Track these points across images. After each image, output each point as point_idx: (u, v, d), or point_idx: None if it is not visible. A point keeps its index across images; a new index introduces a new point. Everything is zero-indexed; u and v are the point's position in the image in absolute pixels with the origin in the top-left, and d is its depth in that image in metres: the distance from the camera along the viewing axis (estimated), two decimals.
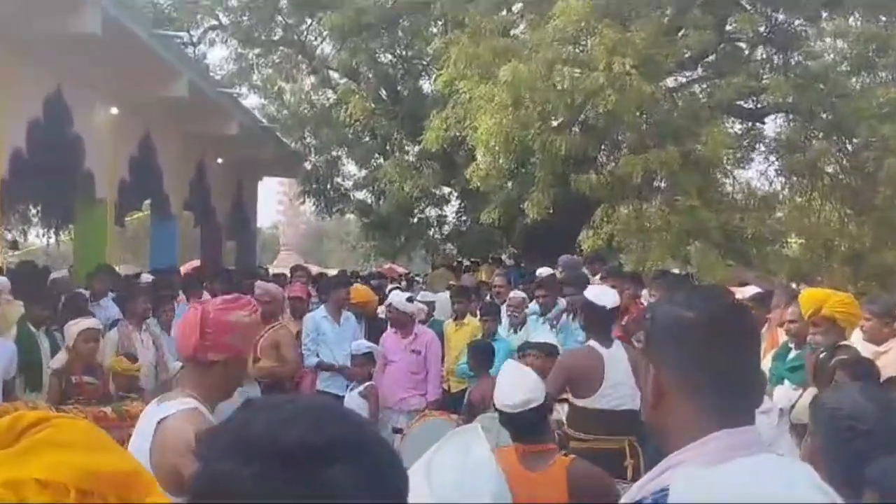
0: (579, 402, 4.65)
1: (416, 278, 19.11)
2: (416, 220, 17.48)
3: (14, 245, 19.53)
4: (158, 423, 2.40)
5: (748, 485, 1.22)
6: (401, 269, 23.41)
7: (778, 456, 1.41)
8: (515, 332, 7.37)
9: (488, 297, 8.69)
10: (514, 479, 2.62)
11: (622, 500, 1.47)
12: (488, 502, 1.81)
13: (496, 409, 3.29)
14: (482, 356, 6.16)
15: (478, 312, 7.75)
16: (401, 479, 0.93)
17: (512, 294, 7.79)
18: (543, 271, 8.89)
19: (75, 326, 5.81)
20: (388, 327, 7.33)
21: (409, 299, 7.47)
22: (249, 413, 0.92)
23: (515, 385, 3.24)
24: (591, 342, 4.76)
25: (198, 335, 2.46)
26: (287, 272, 11.67)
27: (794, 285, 9.73)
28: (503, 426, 3.28)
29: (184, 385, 2.54)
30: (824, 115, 12.73)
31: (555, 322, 7.12)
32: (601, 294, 4.97)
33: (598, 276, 8.23)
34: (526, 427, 3.18)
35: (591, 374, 4.64)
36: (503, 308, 7.69)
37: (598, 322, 4.81)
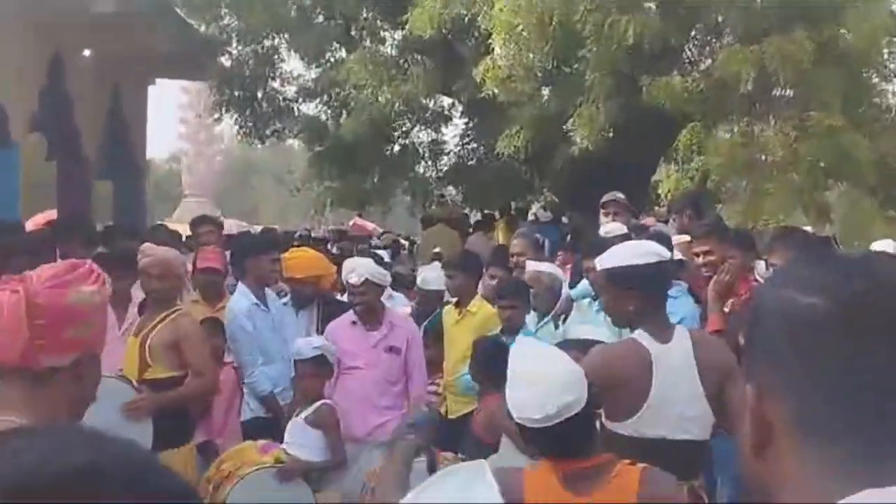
0: (611, 426, 4.66)
1: (401, 240, 19.16)
2: (397, 148, 17.59)
3: None
4: None
5: None
6: (372, 226, 23.49)
7: None
8: (556, 325, 7.42)
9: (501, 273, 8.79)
10: None
11: None
12: None
13: (515, 423, 3.35)
14: (490, 361, 6.24)
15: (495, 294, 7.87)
16: None
17: (542, 268, 7.83)
18: (610, 229, 8.89)
19: None
20: (346, 316, 7.52)
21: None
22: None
23: (542, 381, 3.33)
24: (638, 333, 4.77)
25: (25, 331, 2.43)
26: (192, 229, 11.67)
27: None
28: (528, 444, 3.35)
29: (5, 405, 2.46)
30: None
31: None
32: (643, 249, 4.97)
33: (682, 235, 8.25)
34: (565, 442, 3.29)
35: (629, 382, 4.65)
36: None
37: (647, 296, 4.82)
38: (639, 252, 4.84)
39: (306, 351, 6.90)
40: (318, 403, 6.81)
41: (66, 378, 2.48)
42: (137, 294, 7.64)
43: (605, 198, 9.45)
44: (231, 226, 19.46)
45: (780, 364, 1.38)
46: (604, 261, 4.91)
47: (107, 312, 2.70)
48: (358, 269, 7.46)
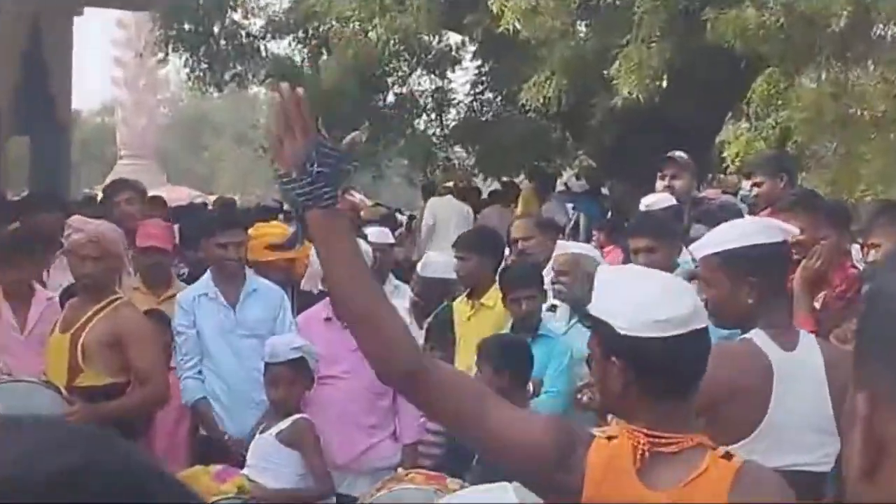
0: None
1: (399, 215, 19.14)
2: (391, 98, 17.72)
3: None
4: None
5: None
6: (358, 197, 23.48)
7: None
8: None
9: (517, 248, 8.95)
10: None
11: None
12: None
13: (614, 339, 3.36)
14: (509, 363, 6.32)
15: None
16: None
17: (578, 248, 7.82)
18: (654, 200, 8.87)
19: None
20: (320, 310, 7.52)
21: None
22: None
23: (660, 289, 3.35)
24: (756, 333, 4.72)
25: None
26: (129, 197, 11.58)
27: None
28: (624, 380, 3.31)
29: None
30: None
31: None
32: (764, 224, 4.91)
33: (760, 207, 8.23)
34: (680, 373, 3.28)
35: (742, 396, 4.62)
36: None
37: (770, 286, 4.76)
38: (760, 228, 4.80)
39: (282, 351, 6.88)
40: (293, 418, 6.79)
41: None
42: (59, 278, 7.64)
43: (679, 155, 9.38)
44: (179, 196, 19.46)
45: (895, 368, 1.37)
46: (713, 242, 4.84)
47: None
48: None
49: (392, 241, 10.53)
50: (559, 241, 8.23)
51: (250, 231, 8.60)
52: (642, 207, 8.71)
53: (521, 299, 7.30)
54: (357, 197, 22.66)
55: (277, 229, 9.05)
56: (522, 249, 8.71)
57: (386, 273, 8.25)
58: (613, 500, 3.13)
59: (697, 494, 3.15)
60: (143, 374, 6.62)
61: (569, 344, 7.06)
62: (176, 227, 9.54)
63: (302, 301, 8.22)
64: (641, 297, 3.33)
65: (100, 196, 12.15)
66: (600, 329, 3.42)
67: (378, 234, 8.59)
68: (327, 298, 7.45)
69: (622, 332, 3.26)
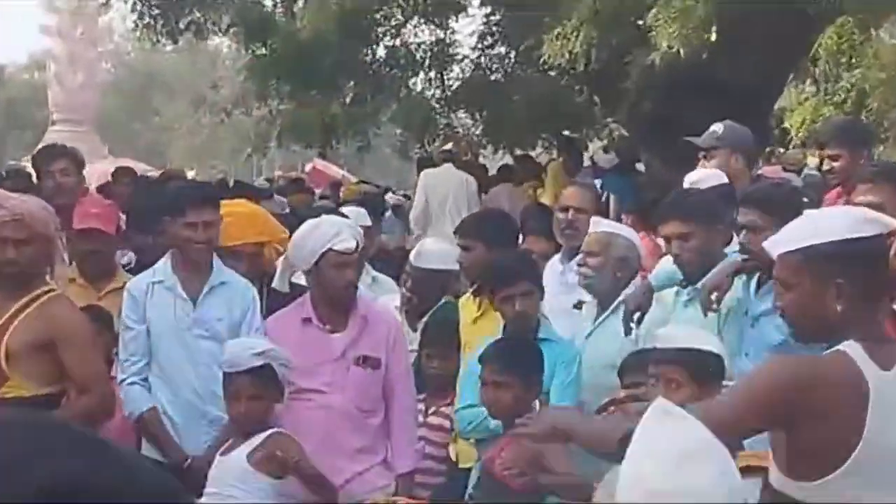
0: (791, 489, 4.60)
1: (393, 195, 19.16)
2: (382, 52, 17.83)
3: None
4: None
5: None
6: (341, 172, 23.56)
7: None
8: (628, 326, 7.32)
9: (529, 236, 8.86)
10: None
11: None
12: None
13: None
14: (518, 370, 6.41)
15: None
16: None
17: (615, 227, 7.78)
18: (700, 177, 8.87)
19: None
20: (298, 308, 7.47)
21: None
22: None
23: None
24: (849, 346, 4.68)
25: None
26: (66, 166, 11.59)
27: None
28: None
29: None
30: None
31: (714, 300, 7.14)
32: (857, 216, 4.85)
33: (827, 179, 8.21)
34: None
35: (835, 421, 4.58)
36: (570, 264, 7.87)
37: (864, 290, 4.71)
38: (852, 220, 4.67)
39: (242, 358, 6.84)
40: (267, 433, 6.78)
41: None
42: None
43: (712, 130, 9.37)
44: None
45: None
46: (793, 237, 4.74)
47: None
48: (345, 229, 7.35)
49: (369, 223, 10.52)
50: (592, 217, 8.11)
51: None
52: (686, 185, 8.70)
53: (513, 297, 7.28)
54: (339, 171, 22.78)
55: (244, 208, 8.92)
56: (572, 222, 8.52)
57: (362, 262, 8.18)
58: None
59: None
60: (83, 383, 6.59)
61: (576, 350, 7.17)
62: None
63: (275, 298, 8.09)
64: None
65: (28, 167, 12.13)
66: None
67: (353, 214, 8.49)
68: (305, 296, 7.48)
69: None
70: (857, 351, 4.46)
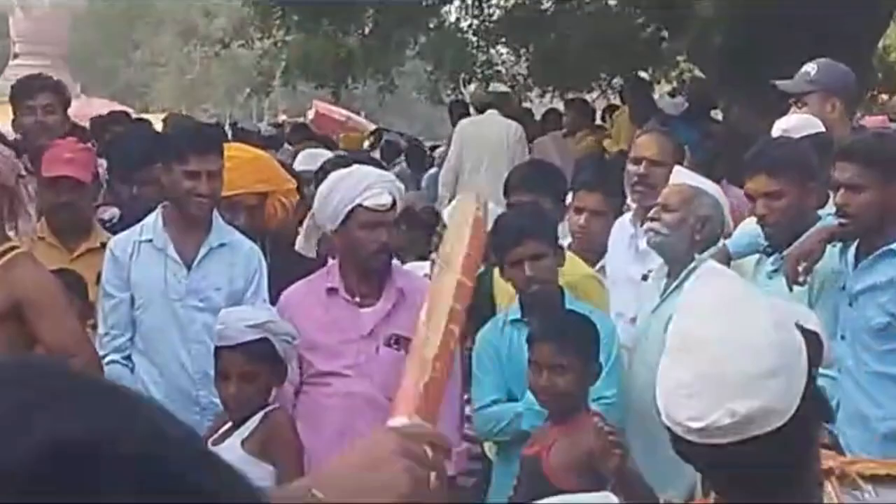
0: None
1: (418, 143, 19.23)
2: None
3: None
4: None
5: None
6: (359, 120, 23.64)
7: None
8: None
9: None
10: None
11: None
12: None
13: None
14: (576, 347, 6.42)
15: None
16: None
17: (687, 178, 7.74)
18: (793, 124, 8.88)
19: None
20: (321, 277, 7.47)
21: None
22: None
23: (716, 363, 3.34)
24: None
25: None
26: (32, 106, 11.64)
27: None
28: (688, 461, 3.48)
29: None
30: None
31: (803, 271, 7.14)
32: None
33: None
34: (745, 476, 3.35)
35: None
36: (642, 229, 7.83)
37: None
38: None
39: (234, 331, 6.87)
40: (265, 411, 6.85)
41: None
42: None
43: (804, 71, 9.35)
44: (99, 112, 19.50)
45: None
46: None
47: None
48: (377, 182, 7.31)
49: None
50: (675, 168, 8.04)
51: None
52: (775, 134, 8.72)
53: (522, 260, 7.28)
54: (353, 117, 22.82)
55: (244, 153, 8.92)
56: (645, 176, 8.51)
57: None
58: None
59: None
60: (62, 350, 6.59)
61: (611, 325, 7.14)
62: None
63: (280, 260, 8.14)
64: (681, 391, 3.41)
65: None
66: None
67: (305, 159, 8.31)
68: (334, 262, 7.49)
69: (663, 417, 3.41)
70: None
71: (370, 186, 7.23)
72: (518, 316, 7.28)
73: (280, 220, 8.61)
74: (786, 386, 3.23)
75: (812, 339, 5.47)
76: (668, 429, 3.32)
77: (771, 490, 3.34)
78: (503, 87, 17.47)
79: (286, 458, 6.74)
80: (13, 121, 10.39)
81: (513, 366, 7.07)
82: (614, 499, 2.45)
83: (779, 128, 8.72)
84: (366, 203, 7.17)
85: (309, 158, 10.48)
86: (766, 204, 7.29)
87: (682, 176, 7.75)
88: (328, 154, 11.09)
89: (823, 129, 8.41)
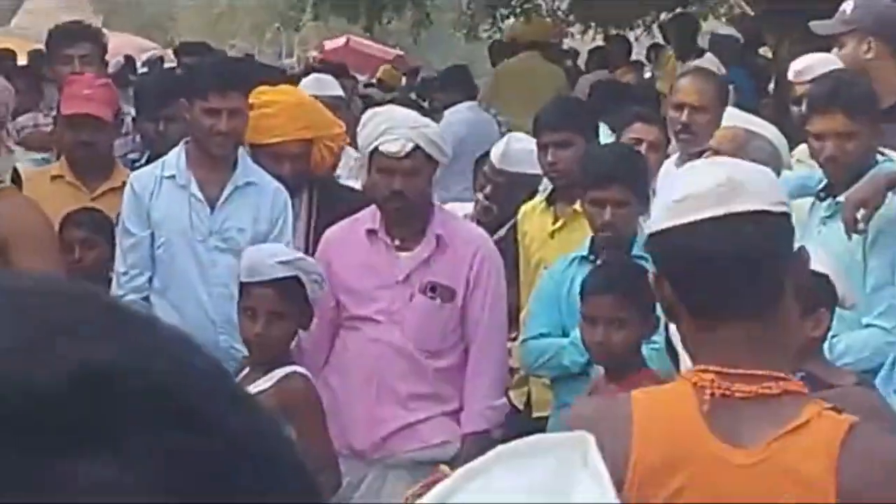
0: None
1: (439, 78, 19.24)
2: None
3: None
4: None
5: None
6: (393, 52, 23.65)
7: None
8: None
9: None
10: (679, 465, 3.30)
11: None
12: None
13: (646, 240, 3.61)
14: (635, 302, 6.36)
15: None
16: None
17: (741, 121, 7.68)
18: (809, 63, 8.87)
19: None
20: (361, 219, 7.43)
21: None
22: None
23: (703, 170, 3.66)
24: None
25: None
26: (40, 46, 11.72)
27: None
28: (665, 296, 3.51)
29: None
30: None
31: (862, 218, 7.10)
32: None
33: None
34: (725, 279, 3.39)
35: None
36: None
37: None
38: None
39: (263, 267, 6.87)
40: (282, 372, 6.80)
41: None
42: None
43: (841, 10, 9.28)
44: (122, 46, 19.57)
45: None
46: None
47: None
48: (397, 124, 7.28)
49: (339, 92, 10.88)
50: (729, 109, 8.02)
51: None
52: (791, 76, 8.88)
53: (605, 202, 7.29)
54: (387, 50, 22.78)
55: (287, 96, 8.82)
56: (688, 124, 8.50)
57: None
58: (676, 457, 3.32)
59: (794, 451, 3.25)
60: None
61: None
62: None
63: (326, 202, 8.20)
64: (671, 182, 3.71)
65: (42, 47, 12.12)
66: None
67: (311, 83, 8.36)
68: (372, 206, 7.39)
69: (648, 232, 3.65)
70: None
71: (387, 131, 7.23)
72: (586, 254, 7.24)
73: (327, 166, 8.62)
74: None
75: (821, 281, 5.50)
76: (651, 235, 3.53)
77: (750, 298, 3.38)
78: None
79: (308, 422, 6.71)
80: (51, 67, 10.53)
81: (571, 304, 7.00)
82: (590, 441, 2.43)
83: (794, 69, 8.81)
84: (381, 147, 7.20)
85: (314, 83, 10.64)
86: (838, 145, 7.19)
87: (736, 118, 7.71)
88: (331, 80, 11.44)
89: (841, 67, 8.40)
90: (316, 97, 9.16)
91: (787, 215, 3.48)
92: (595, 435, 3.12)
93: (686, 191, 3.39)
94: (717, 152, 7.40)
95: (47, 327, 1.05)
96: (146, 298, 7.57)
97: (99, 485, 1.00)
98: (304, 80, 10.46)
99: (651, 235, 3.55)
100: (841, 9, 8.95)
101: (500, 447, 2.08)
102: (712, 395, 3.23)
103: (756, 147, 7.41)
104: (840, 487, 3.17)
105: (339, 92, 10.87)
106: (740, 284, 3.35)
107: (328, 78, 10.84)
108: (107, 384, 1.03)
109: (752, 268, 3.36)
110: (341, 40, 22.82)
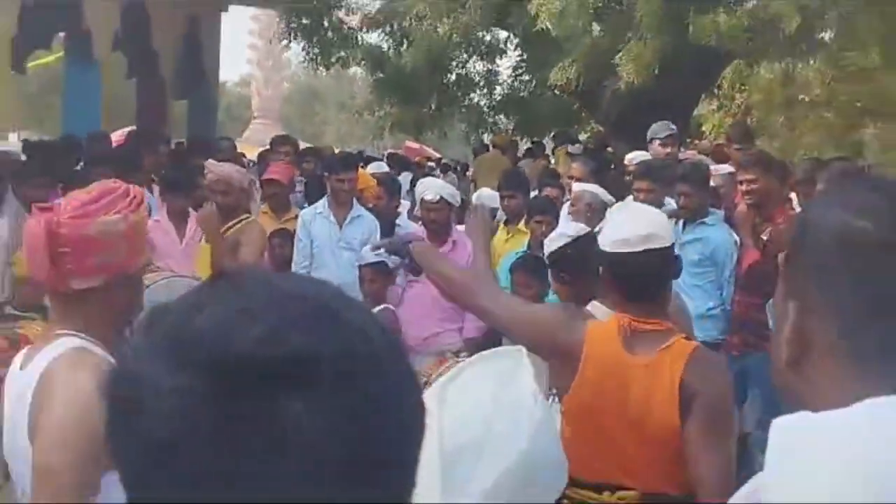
0: None
1: (450, 165, 18.99)
2: (454, 77, 17.42)
3: None
4: (37, 386, 2.42)
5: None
6: (430, 151, 23.35)
7: None
8: None
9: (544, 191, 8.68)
10: (609, 364, 3.26)
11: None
12: (515, 459, 1.71)
13: (598, 253, 3.50)
14: (532, 276, 6.14)
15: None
16: (401, 431, 0.92)
17: (588, 187, 7.51)
18: (634, 156, 8.85)
19: None
20: (410, 230, 7.49)
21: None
22: (202, 296, 0.92)
23: (631, 218, 3.50)
24: None
25: (47, 260, 2.42)
26: (265, 146, 11.74)
27: None
28: (606, 283, 3.47)
29: (55, 321, 2.56)
30: None
31: None
32: None
33: (724, 166, 8.12)
34: (640, 282, 3.38)
35: None
36: (564, 210, 7.61)
37: None
38: None
39: (368, 256, 6.91)
40: (380, 308, 6.79)
41: (97, 297, 2.49)
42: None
43: (657, 127, 9.24)
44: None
45: (829, 283, 1.36)
46: None
47: (142, 234, 2.65)
48: (433, 187, 7.33)
49: (386, 170, 11.21)
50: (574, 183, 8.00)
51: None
52: (626, 161, 8.76)
53: (542, 223, 7.24)
54: (429, 150, 22.55)
55: (362, 174, 9.03)
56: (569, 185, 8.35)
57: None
58: (605, 362, 3.31)
59: (666, 359, 3.28)
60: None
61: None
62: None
63: (383, 231, 7.96)
64: (616, 222, 3.54)
65: (267, 147, 12.10)
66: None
67: (427, 187, 8.31)
68: (415, 226, 7.54)
69: (602, 248, 3.45)
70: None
71: (427, 190, 7.30)
72: (524, 251, 7.12)
73: (385, 206, 8.70)
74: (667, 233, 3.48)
75: None
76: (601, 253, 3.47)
77: (653, 290, 3.43)
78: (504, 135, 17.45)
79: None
80: (267, 161, 10.37)
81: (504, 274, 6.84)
82: (524, 350, 2.42)
83: (627, 158, 8.84)
84: (424, 197, 7.24)
85: (377, 165, 11.22)
86: (645, 198, 6.93)
87: (578, 185, 7.67)
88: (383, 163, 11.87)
89: (648, 159, 8.41)
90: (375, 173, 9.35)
91: (673, 245, 3.49)
92: (564, 331, 3.36)
93: (624, 234, 3.38)
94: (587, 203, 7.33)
95: (297, 324, 0.89)
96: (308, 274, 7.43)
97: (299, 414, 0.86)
98: (373, 164, 10.50)
99: (603, 251, 3.48)
100: (671, 127, 9.12)
101: (477, 354, 2.08)
102: (627, 329, 3.32)
103: (589, 195, 7.25)
104: (682, 380, 3.22)
105: (387, 170, 11.01)
106: (650, 284, 3.41)
107: (382, 162, 10.94)
108: (300, 365, 0.86)
109: (655, 277, 3.42)
110: (411, 143, 22.62)
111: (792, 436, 1.19)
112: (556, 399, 3.72)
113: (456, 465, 1.34)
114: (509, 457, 1.38)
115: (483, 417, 1.44)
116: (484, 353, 2.20)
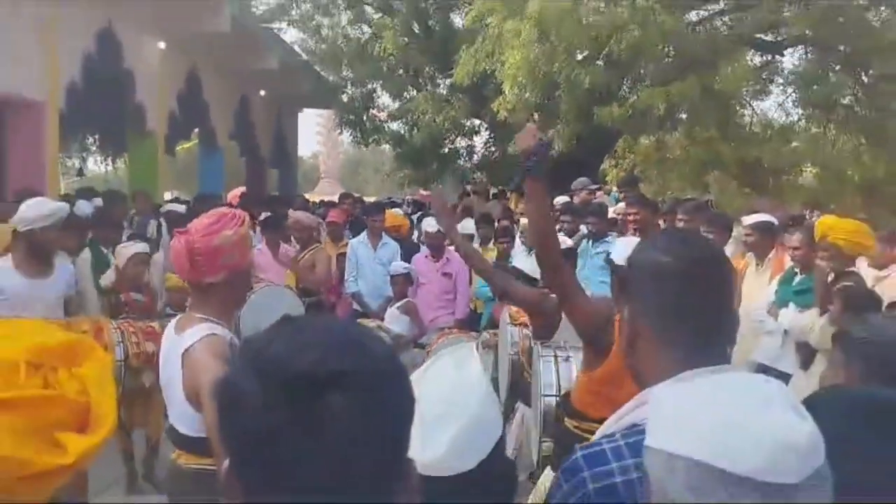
0: None
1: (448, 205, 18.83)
2: (446, 150, 17.24)
3: (80, 172, 19.73)
4: (184, 354, 2.36)
5: (723, 394, 1.18)
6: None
7: (749, 374, 1.32)
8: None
9: (502, 222, 8.53)
10: None
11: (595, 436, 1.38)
12: (469, 419, 1.59)
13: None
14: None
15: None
16: (401, 417, 0.91)
17: (525, 221, 7.43)
18: (559, 199, 8.85)
19: (126, 249, 5.58)
20: (422, 251, 7.28)
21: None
22: (275, 332, 0.90)
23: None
24: None
25: (188, 265, 2.41)
26: (332, 199, 11.77)
27: (808, 214, 9.55)
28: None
29: (193, 306, 2.52)
30: (842, 49, 12.19)
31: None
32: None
33: (621, 205, 8.13)
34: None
35: None
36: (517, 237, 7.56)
37: None
38: None
39: (399, 269, 6.80)
40: (405, 300, 6.70)
41: (221, 288, 2.46)
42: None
43: (579, 182, 9.27)
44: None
45: (647, 297, 1.39)
46: None
47: (248, 242, 2.53)
48: (432, 223, 7.06)
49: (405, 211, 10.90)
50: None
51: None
52: (553, 203, 8.33)
53: (504, 244, 7.13)
54: (427, 194, 22.27)
55: (393, 212, 8.84)
56: (518, 220, 8.19)
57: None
58: None
59: None
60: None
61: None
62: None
63: (405, 249, 7.66)
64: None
65: (336, 198, 11.98)
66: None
67: (428, 223, 8.20)
68: (425, 248, 7.18)
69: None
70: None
71: (428, 224, 7.07)
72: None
73: (406, 233, 8.44)
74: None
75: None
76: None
77: None
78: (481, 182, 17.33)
79: (414, 314, 6.58)
80: (331, 204, 10.29)
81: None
82: (473, 344, 2.36)
83: (555, 201, 8.51)
84: (427, 230, 7.05)
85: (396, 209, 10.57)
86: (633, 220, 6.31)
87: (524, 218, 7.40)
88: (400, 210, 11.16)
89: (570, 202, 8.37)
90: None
91: None
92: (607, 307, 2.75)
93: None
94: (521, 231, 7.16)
95: (343, 349, 0.87)
96: (355, 281, 7.21)
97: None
98: (395, 209, 10.27)
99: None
100: (589, 184, 9.05)
101: (447, 345, 1.98)
102: None
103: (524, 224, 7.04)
104: None
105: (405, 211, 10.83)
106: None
107: (399, 209, 10.66)
108: (317, 384, 0.84)
109: None
110: (422, 192, 22.45)
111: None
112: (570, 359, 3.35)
113: (430, 426, 1.41)
114: (464, 417, 1.42)
115: (447, 392, 1.47)
116: (446, 349, 1.98)
